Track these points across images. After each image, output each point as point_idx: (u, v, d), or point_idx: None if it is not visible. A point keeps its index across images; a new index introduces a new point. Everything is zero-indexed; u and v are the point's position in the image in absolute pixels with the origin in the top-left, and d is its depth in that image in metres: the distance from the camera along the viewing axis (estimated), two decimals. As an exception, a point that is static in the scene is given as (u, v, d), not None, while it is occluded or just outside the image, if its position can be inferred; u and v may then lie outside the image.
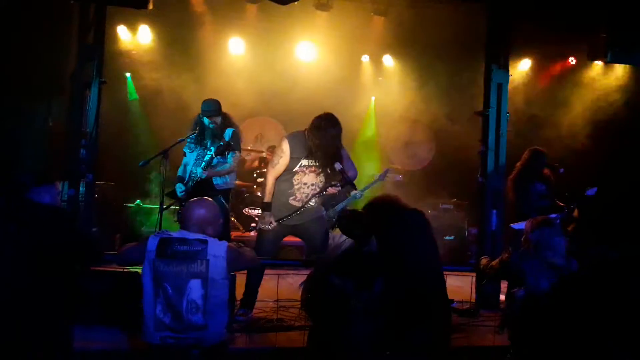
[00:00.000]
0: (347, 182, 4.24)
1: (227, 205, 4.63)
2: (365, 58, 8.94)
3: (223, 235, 4.45)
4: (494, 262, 3.42)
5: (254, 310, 4.36)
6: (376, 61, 8.97)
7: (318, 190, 4.29)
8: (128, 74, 8.25)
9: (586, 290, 2.38)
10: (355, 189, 4.43)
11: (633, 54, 4.74)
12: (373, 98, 9.36)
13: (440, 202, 7.61)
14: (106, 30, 7.37)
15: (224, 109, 7.64)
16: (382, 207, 2.84)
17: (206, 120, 4.52)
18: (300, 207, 4.24)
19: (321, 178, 4.31)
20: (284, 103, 8.17)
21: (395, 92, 8.64)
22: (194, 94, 6.85)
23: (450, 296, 4.21)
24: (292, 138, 4.26)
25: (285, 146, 4.22)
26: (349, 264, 2.62)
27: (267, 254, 4.21)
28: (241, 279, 4.25)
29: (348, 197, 4.73)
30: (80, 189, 4.67)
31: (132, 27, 7.94)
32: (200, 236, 2.94)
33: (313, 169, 4.26)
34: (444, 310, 2.76)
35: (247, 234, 7.39)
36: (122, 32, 7.95)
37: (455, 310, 4.64)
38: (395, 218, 2.74)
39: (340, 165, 4.19)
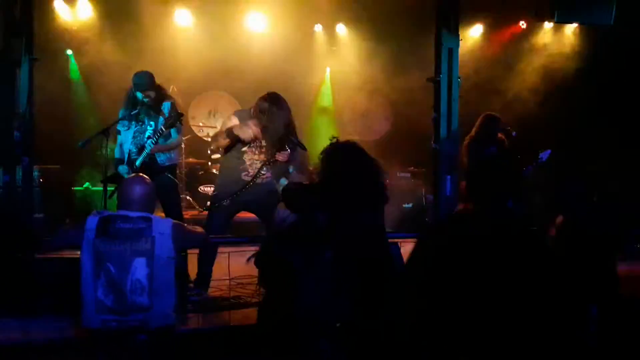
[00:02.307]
0: (296, 144, 4.13)
1: (175, 181, 4.47)
2: (318, 27, 8.76)
3: (174, 213, 4.38)
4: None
5: (210, 290, 4.27)
6: (329, 30, 8.80)
7: (266, 160, 4.17)
8: (69, 51, 7.86)
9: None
10: (305, 149, 4.27)
11: (579, 12, 4.72)
12: (328, 69, 9.21)
13: (397, 171, 7.60)
14: (41, 4, 7.13)
15: (175, 84, 7.51)
16: (344, 153, 2.79)
17: (139, 95, 4.30)
18: (251, 181, 4.14)
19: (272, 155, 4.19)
20: (236, 76, 7.92)
21: (350, 62, 8.50)
22: (141, 69, 6.56)
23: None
24: (242, 114, 4.19)
25: (235, 121, 4.17)
26: (296, 236, 2.57)
27: (219, 231, 4.11)
28: (194, 258, 4.14)
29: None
30: (19, 174, 4.41)
31: (71, 1, 7.54)
32: (143, 214, 2.85)
33: (263, 149, 4.19)
34: (391, 275, 2.73)
35: (204, 213, 7.24)
36: (60, 6, 7.54)
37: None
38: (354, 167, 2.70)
39: (293, 138, 4.11)
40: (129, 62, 7.18)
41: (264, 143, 4.18)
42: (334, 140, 2.79)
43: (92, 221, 2.80)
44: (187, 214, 6.34)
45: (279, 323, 2.52)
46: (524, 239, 2.30)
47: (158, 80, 4.45)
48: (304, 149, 4.26)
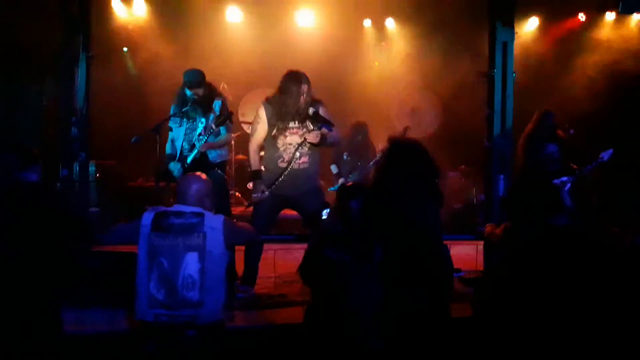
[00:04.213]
0: (325, 122, 4.03)
1: (225, 177, 4.51)
2: (367, 23, 8.66)
3: (224, 209, 4.40)
4: (497, 230, 3.28)
5: (257, 287, 4.28)
6: (379, 25, 8.68)
7: (299, 142, 4.08)
8: (126, 49, 8.09)
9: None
10: (331, 125, 4.11)
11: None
12: (377, 64, 9.10)
13: (447, 170, 7.42)
14: (100, 4, 7.35)
15: (225, 81, 7.59)
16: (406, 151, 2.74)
17: (189, 92, 4.35)
18: (287, 167, 4.07)
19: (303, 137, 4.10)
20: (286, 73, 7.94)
21: (400, 57, 8.38)
22: (193, 67, 6.66)
23: (457, 265, 4.13)
24: (268, 103, 4.16)
25: (262, 112, 4.14)
26: (346, 236, 2.53)
27: (263, 228, 4.10)
28: (240, 256, 4.16)
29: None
30: (76, 169, 4.56)
31: (127, 0, 7.75)
32: (197, 209, 2.89)
33: (294, 130, 4.09)
34: (443, 277, 2.65)
35: (250, 209, 7.31)
36: (118, 6, 7.77)
37: (462, 280, 4.51)
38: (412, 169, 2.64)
39: (313, 109, 4.01)
40: (182, 58, 7.33)
41: (290, 124, 4.08)
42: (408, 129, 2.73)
43: (147, 216, 2.87)
44: (235, 210, 6.40)
45: (326, 323, 2.48)
46: (593, 251, 2.17)
47: (209, 78, 4.49)
48: (332, 125, 4.12)
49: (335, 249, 2.50)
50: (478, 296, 2.29)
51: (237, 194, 7.42)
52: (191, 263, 2.80)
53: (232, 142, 7.13)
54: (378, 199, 2.60)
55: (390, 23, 8.64)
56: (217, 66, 7.00)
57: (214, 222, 2.86)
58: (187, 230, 2.81)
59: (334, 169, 6.45)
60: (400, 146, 2.75)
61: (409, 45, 8.32)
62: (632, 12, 6.82)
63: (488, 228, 3.50)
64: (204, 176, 3.05)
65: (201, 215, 2.86)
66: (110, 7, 7.64)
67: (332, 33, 8.07)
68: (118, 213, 6.35)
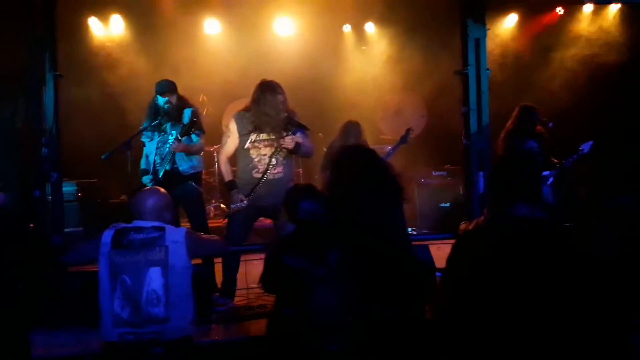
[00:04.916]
0: (300, 126, 3.99)
1: (200, 190, 4.46)
2: (347, 28, 8.66)
3: (199, 223, 4.36)
4: (470, 226, 3.23)
5: (237, 299, 4.22)
6: (358, 30, 8.68)
7: (273, 151, 4.03)
8: (103, 66, 8.05)
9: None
10: (306, 129, 4.07)
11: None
12: (358, 67, 9.08)
13: (432, 170, 7.38)
14: (75, 23, 7.34)
15: (207, 93, 7.56)
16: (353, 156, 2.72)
17: (161, 100, 4.31)
18: (262, 177, 4.03)
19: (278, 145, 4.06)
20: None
21: (381, 60, 8.35)
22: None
23: (439, 265, 4.07)
24: (239, 116, 4.12)
25: (232, 125, 4.11)
26: (301, 241, 2.49)
27: (240, 238, 4.05)
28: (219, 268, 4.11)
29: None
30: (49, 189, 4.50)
31: (104, 17, 7.75)
32: (157, 223, 2.85)
33: (269, 142, 4.06)
34: (411, 277, 2.60)
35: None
36: (94, 24, 7.76)
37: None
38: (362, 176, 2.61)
39: (287, 114, 3.97)
40: (161, 73, 7.30)
41: (265, 136, 4.04)
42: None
43: (107, 234, 2.84)
44: (221, 222, 6.34)
45: (288, 330, 2.44)
46: (547, 242, 2.11)
47: (188, 91, 4.49)
48: (307, 129, 4.09)
49: (292, 255, 2.47)
50: (438, 295, 2.23)
51: (222, 205, 7.37)
52: (154, 278, 2.76)
53: (216, 154, 7.09)
54: (332, 203, 2.57)
55: (369, 27, 8.64)
56: (196, 79, 6.98)
57: (175, 235, 2.82)
58: (149, 245, 2.77)
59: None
60: (347, 150, 2.74)
61: (389, 48, 8.31)
62: (608, 2, 6.78)
63: (462, 225, 3.45)
64: (161, 190, 3.01)
65: (162, 229, 2.82)
66: (87, 25, 7.64)
67: (312, 40, 8.07)
68: (102, 231, 6.33)
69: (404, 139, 5.70)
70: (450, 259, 2.25)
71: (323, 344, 2.32)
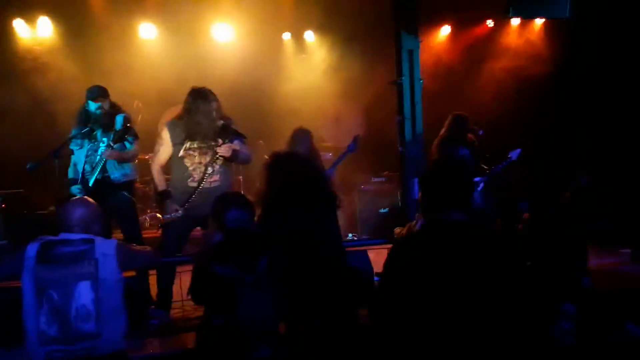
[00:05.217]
0: (237, 134, 3.94)
1: (132, 199, 4.34)
2: (287, 35, 8.70)
3: (133, 234, 4.24)
4: (403, 231, 3.32)
5: (174, 311, 4.13)
6: (298, 38, 8.74)
7: (209, 159, 3.95)
8: (31, 70, 7.69)
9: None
10: (243, 137, 4.03)
11: (534, 6, 4.66)
12: (298, 75, 9.13)
13: (372, 176, 7.52)
14: (1, 24, 6.98)
15: (143, 99, 7.35)
16: (282, 163, 2.74)
17: (92, 106, 4.17)
18: (198, 186, 3.96)
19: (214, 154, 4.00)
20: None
21: (320, 68, 8.44)
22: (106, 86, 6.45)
23: (378, 270, 4.14)
24: (172, 124, 4.04)
25: (165, 134, 4.03)
26: (229, 249, 2.48)
27: (175, 249, 3.97)
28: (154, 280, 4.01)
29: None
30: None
31: (30, 19, 7.41)
32: (85, 236, 2.75)
33: (204, 150, 3.99)
34: (343, 284, 2.64)
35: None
36: (20, 25, 7.40)
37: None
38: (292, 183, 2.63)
39: (223, 122, 3.92)
40: (93, 78, 7.05)
41: (199, 145, 3.96)
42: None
43: (32, 248, 2.71)
44: (156, 233, 6.16)
45: (217, 340, 2.42)
46: (478, 246, 2.20)
47: (122, 97, 4.36)
48: (244, 137, 4.05)
49: (221, 263, 2.45)
50: (375, 300, 2.27)
51: (158, 215, 7.18)
52: (84, 293, 2.66)
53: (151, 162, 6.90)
54: (262, 211, 2.58)
55: (309, 35, 8.72)
56: (130, 84, 6.79)
57: (105, 247, 2.73)
58: (77, 259, 2.67)
59: None
60: (277, 157, 2.76)
61: (328, 57, 8.41)
62: (520, 17, 7.11)
63: (397, 230, 3.55)
64: (89, 200, 2.91)
65: (91, 241, 2.72)
66: (12, 29, 7.28)
67: (251, 47, 8.05)
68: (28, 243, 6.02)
69: (352, 147, 5.65)
70: (386, 264, 2.29)
71: (253, 351, 2.32)
